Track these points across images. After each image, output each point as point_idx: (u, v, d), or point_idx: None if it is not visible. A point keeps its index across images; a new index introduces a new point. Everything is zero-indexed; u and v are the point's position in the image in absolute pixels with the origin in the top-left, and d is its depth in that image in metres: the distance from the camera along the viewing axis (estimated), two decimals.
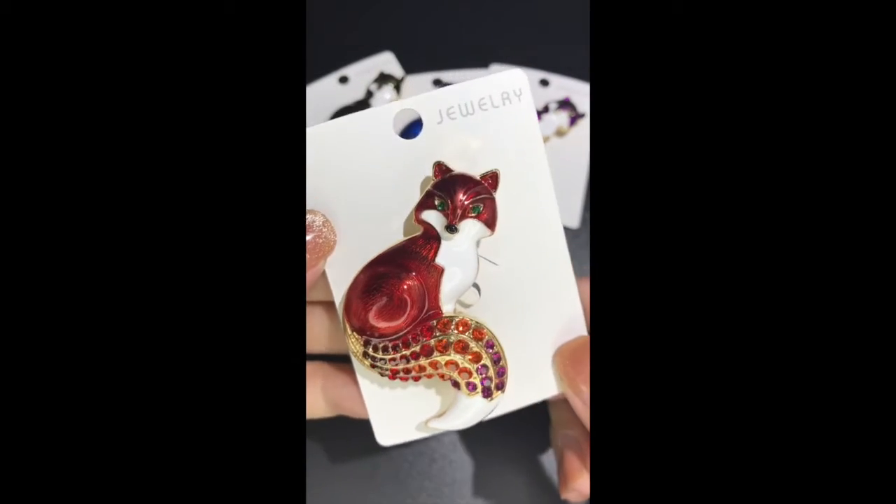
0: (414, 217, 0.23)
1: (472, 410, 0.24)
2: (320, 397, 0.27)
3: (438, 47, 0.44)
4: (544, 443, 0.35)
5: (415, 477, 0.35)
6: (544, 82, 0.42)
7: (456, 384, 0.24)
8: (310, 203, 0.24)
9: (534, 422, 0.35)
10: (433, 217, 0.22)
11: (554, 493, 0.34)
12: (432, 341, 0.23)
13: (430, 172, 0.23)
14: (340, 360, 0.27)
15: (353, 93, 0.42)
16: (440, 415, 0.25)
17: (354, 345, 0.24)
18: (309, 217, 0.23)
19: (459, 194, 0.22)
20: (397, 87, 0.42)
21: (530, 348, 0.26)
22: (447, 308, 0.24)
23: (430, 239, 0.23)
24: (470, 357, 0.24)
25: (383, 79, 0.42)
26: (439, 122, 0.24)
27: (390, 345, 0.23)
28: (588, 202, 0.39)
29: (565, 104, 0.41)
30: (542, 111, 0.41)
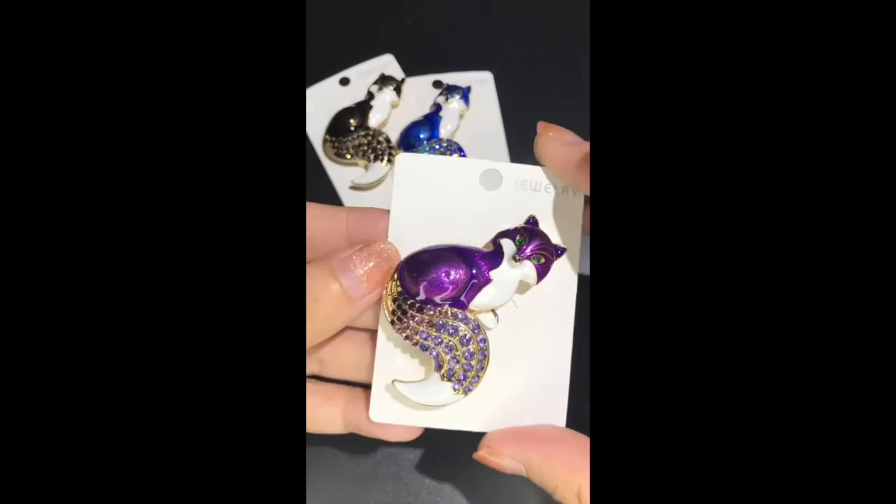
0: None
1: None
2: (339, 417, 0.29)
3: (438, 50, 0.44)
4: None
5: (416, 475, 0.35)
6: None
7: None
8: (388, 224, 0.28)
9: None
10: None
11: None
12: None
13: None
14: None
15: (355, 94, 0.43)
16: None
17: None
18: (381, 245, 0.27)
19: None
20: (398, 89, 0.42)
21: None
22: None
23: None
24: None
25: (384, 80, 0.42)
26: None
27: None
28: None
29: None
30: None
